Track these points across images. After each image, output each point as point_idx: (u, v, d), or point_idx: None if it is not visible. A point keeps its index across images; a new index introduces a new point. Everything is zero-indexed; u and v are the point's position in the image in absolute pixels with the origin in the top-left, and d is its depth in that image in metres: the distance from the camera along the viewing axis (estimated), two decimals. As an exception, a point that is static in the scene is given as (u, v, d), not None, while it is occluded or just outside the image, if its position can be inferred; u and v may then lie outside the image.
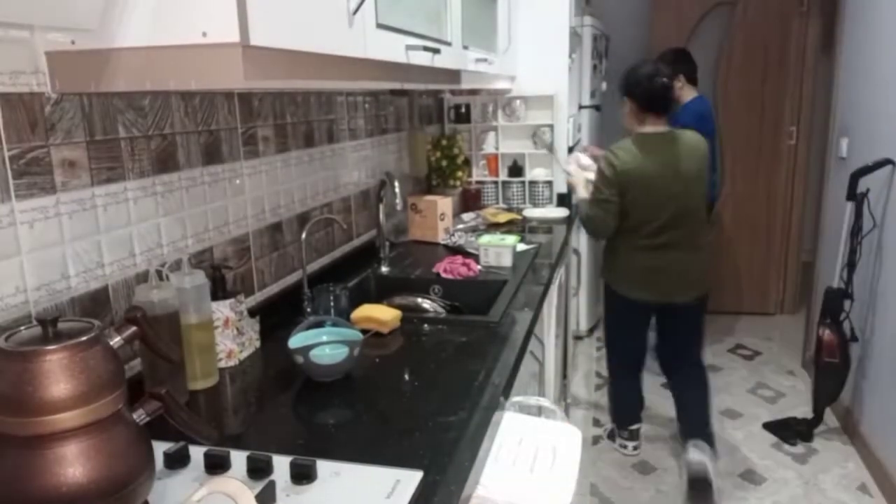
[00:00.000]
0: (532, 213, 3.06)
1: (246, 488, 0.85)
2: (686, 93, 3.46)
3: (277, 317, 1.67)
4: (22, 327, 0.81)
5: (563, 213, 3.04)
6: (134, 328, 0.88)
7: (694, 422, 2.66)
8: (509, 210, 3.10)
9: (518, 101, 3.15)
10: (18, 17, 0.97)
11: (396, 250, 2.45)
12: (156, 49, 0.95)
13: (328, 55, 1.13)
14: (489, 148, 3.24)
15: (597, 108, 4.03)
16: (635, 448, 2.93)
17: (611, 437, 3.02)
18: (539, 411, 1.59)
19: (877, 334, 2.77)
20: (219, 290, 1.41)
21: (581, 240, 3.69)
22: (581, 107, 3.75)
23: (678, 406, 2.74)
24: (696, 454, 2.53)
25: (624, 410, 2.91)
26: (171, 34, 0.93)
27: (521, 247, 2.41)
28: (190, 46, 0.92)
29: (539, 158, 3.18)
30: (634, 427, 2.92)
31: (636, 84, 2.42)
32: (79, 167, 1.13)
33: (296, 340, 1.38)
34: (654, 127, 2.42)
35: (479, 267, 2.15)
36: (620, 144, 2.42)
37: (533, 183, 3.20)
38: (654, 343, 2.80)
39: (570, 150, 3.21)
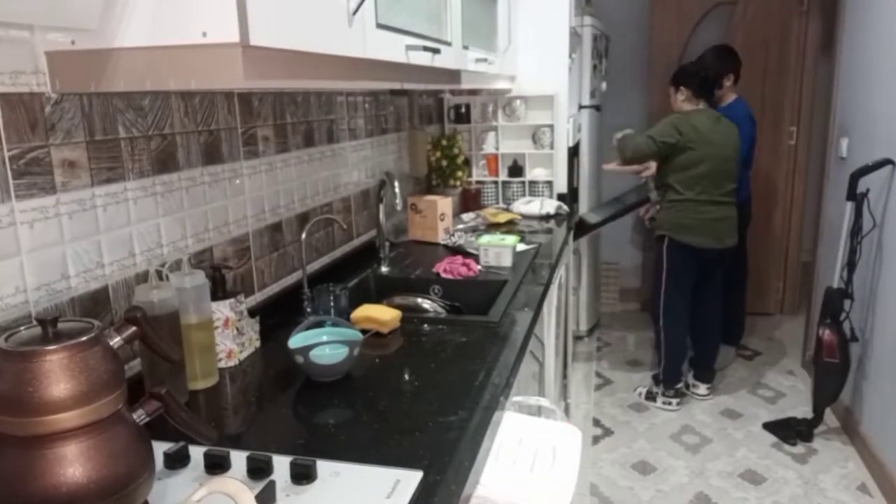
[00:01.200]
0: (519, 207, 3.07)
1: (246, 488, 0.85)
2: (728, 93, 3.56)
3: (277, 317, 1.67)
4: (22, 327, 0.81)
5: (553, 205, 3.05)
6: (134, 328, 0.88)
7: (703, 363, 3.43)
8: (508, 210, 3.10)
9: (518, 101, 3.15)
10: (18, 17, 0.97)
11: (396, 250, 2.46)
12: (156, 49, 0.95)
13: (328, 55, 1.13)
14: (489, 148, 3.24)
15: (597, 108, 4.03)
16: (678, 404, 3.31)
17: (650, 397, 3.39)
18: (539, 411, 1.59)
19: (877, 334, 2.77)
20: (219, 290, 1.41)
21: (581, 240, 3.69)
22: (581, 107, 3.75)
23: (694, 342, 3.42)
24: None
25: (675, 364, 3.27)
26: (170, 34, 0.93)
27: (521, 247, 2.41)
28: (190, 46, 0.92)
29: (539, 158, 3.18)
30: (679, 385, 3.32)
31: (693, 75, 3.13)
32: (79, 167, 1.13)
33: (296, 340, 1.38)
34: (701, 106, 3.12)
35: (479, 267, 2.15)
36: (679, 114, 3.10)
37: (533, 183, 3.20)
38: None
39: (570, 149, 3.21)
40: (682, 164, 3.03)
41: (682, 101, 3.14)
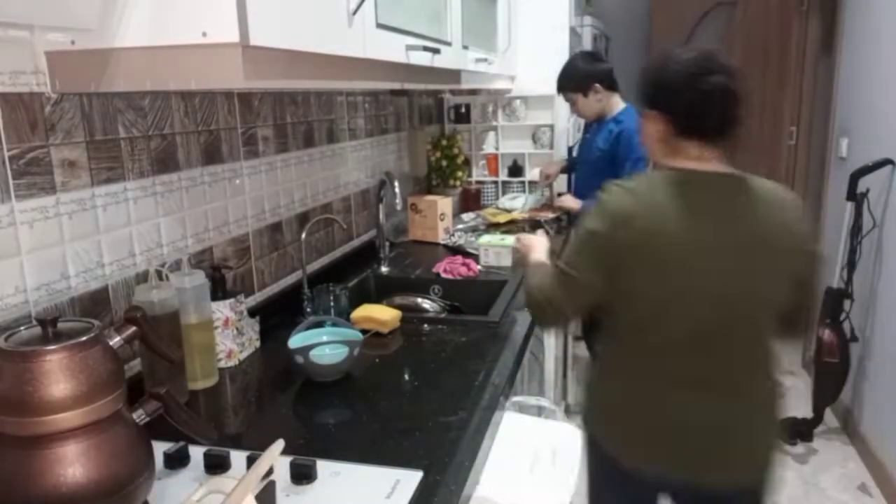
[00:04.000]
0: (504, 203, 3.07)
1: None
2: (611, 103, 2.56)
3: (277, 317, 1.67)
4: (22, 327, 0.81)
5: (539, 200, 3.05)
6: (134, 328, 0.88)
7: None
8: (499, 208, 3.10)
9: (518, 101, 3.15)
10: (18, 17, 0.97)
11: (396, 250, 2.45)
12: (156, 49, 0.95)
13: (328, 55, 1.13)
14: (489, 148, 3.24)
15: (597, 108, 4.02)
16: None
17: None
18: (539, 411, 1.59)
19: (877, 334, 2.77)
20: (219, 290, 1.41)
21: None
22: (581, 107, 3.74)
23: None
24: None
25: None
26: (170, 34, 0.93)
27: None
28: (190, 46, 0.92)
29: (539, 158, 3.18)
30: None
31: (670, 89, 1.27)
32: (79, 167, 1.13)
33: (296, 340, 1.38)
34: (700, 163, 1.28)
35: (479, 267, 2.15)
36: (629, 182, 1.29)
37: (533, 183, 3.20)
38: None
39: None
40: (620, 292, 1.26)
41: (650, 138, 1.32)
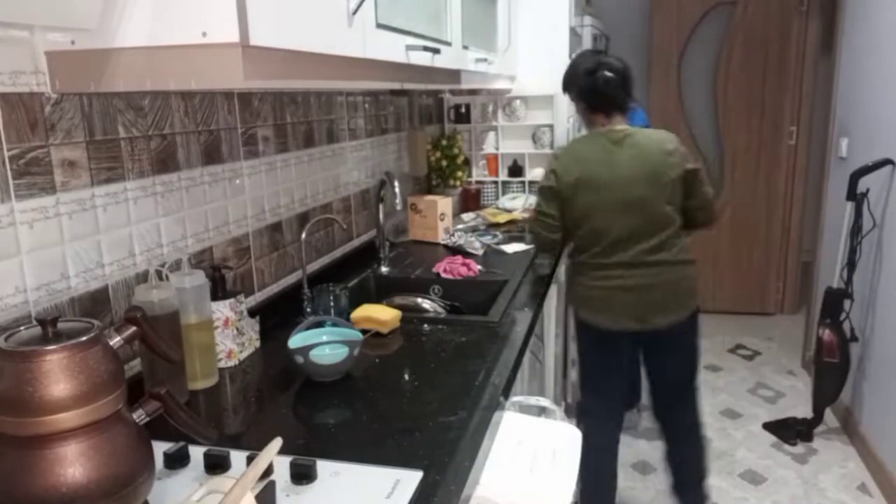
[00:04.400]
0: (504, 203, 3.09)
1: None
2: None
3: (277, 317, 1.67)
4: (22, 327, 0.81)
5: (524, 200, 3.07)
6: (134, 328, 0.88)
7: (687, 481, 2.25)
8: (497, 207, 3.11)
9: (518, 101, 3.15)
10: (18, 17, 0.97)
11: (396, 250, 2.45)
12: (156, 49, 0.95)
13: (328, 55, 1.13)
14: (489, 148, 3.24)
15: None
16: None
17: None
18: (539, 411, 1.59)
19: (877, 334, 2.77)
20: (219, 290, 1.41)
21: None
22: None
23: (669, 461, 2.28)
24: None
25: (592, 485, 2.20)
26: (170, 34, 0.93)
27: (521, 247, 2.42)
28: (190, 46, 0.92)
29: (539, 158, 3.18)
30: None
31: (580, 84, 2.07)
32: (79, 167, 1.13)
33: (296, 340, 1.38)
34: (607, 127, 2.03)
35: (479, 267, 2.15)
36: (564, 147, 2.13)
37: (533, 183, 3.20)
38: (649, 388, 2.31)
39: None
40: (571, 219, 2.02)
41: (580, 116, 2.18)
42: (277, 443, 0.88)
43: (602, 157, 1.97)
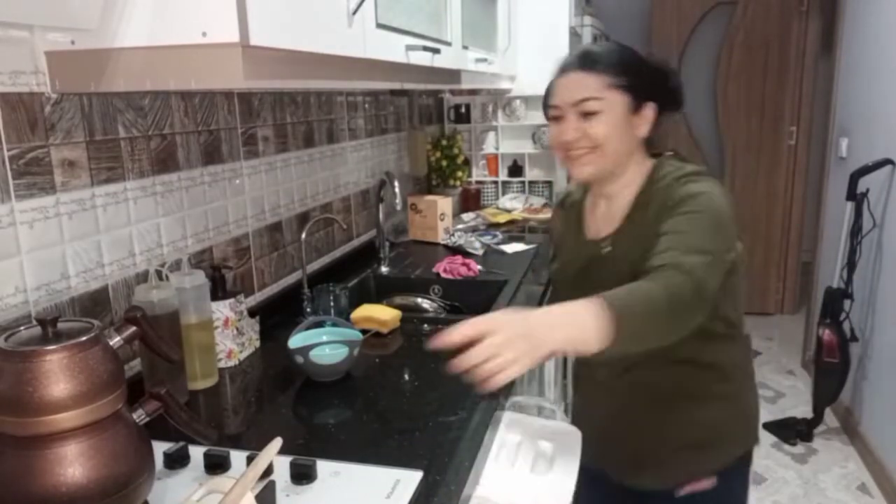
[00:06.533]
0: (504, 203, 3.08)
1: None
2: None
3: (277, 317, 1.67)
4: (22, 327, 0.81)
5: (539, 202, 3.05)
6: (134, 328, 0.88)
7: None
8: (498, 207, 3.10)
9: (518, 101, 3.15)
10: (18, 17, 0.97)
11: (396, 250, 2.45)
12: (156, 49, 0.95)
13: (328, 55, 1.13)
14: (489, 148, 3.24)
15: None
16: None
17: None
18: (539, 411, 1.59)
19: (877, 334, 2.77)
20: (219, 290, 1.41)
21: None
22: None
23: None
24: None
25: None
26: (170, 34, 0.93)
27: (521, 247, 2.42)
28: (190, 46, 0.92)
29: (539, 158, 3.18)
30: None
31: (664, 81, 1.30)
32: (79, 167, 1.13)
33: (296, 340, 1.38)
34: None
35: (479, 267, 2.15)
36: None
37: (533, 183, 3.20)
38: None
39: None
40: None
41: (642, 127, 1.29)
42: (277, 443, 0.88)
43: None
